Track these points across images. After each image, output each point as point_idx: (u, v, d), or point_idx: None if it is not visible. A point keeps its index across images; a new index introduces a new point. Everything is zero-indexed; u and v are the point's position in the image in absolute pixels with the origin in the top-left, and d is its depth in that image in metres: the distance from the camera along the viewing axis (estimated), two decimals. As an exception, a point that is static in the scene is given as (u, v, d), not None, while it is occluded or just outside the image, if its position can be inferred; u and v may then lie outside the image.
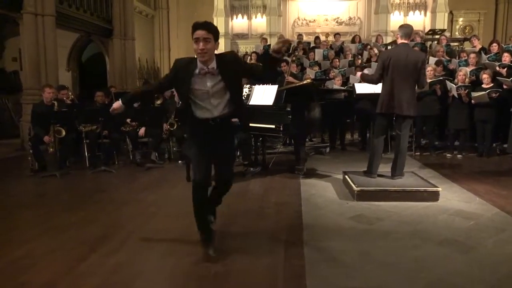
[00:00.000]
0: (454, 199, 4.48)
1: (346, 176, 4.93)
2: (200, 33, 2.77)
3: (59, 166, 6.05)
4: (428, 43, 10.93)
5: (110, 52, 11.38)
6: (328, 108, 6.09)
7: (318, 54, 10.35)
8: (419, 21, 14.90)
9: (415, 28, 13.91)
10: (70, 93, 7.25)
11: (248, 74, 3.31)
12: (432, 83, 6.77)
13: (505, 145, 6.73)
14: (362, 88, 7.09)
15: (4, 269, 2.92)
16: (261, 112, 5.48)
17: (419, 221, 3.79)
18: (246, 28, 15.72)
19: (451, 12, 15.25)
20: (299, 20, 15.68)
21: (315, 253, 3.09)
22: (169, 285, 2.73)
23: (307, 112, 5.57)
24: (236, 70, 2.95)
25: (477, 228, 3.60)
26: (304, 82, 6.40)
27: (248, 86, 6.02)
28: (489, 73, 6.78)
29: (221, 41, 14.66)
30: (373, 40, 12.35)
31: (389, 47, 10.27)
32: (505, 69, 6.98)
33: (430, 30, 12.59)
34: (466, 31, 15.78)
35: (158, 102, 6.99)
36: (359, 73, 5.27)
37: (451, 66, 7.93)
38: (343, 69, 9.14)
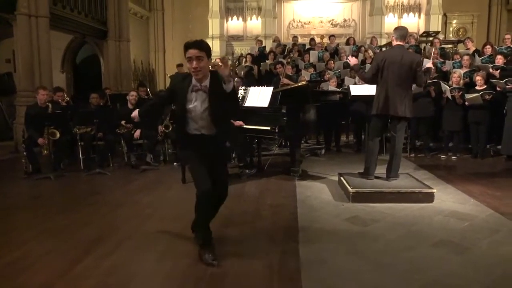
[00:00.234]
0: (449, 200, 4.50)
1: (342, 178, 4.94)
2: (192, 52, 2.83)
3: (54, 169, 6.01)
4: (422, 45, 10.98)
5: (104, 54, 11.34)
6: (323, 110, 6.12)
7: (313, 56, 10.37)
8: (413, 23, 14.97)
9: (409, 30, 14.00)
10: (65, 95, 7.22)
11: (229, 106, 3.18)
12: (426, 85, 6.80)
13: (499, 147, 6.78)
14: (357, 90, 7.12)
15: (-2, 271, 2.90)
16: (256, 114, 5.49)
17: (414, 222, 3.81)
18: (241, 30, 15.71)
19: (445, 15, 15.34)
20: (294, 22, 15.70)
21: (310, 254, 3.10)
22: (165, 287, 2.72)
23: (302, 114, 5.58)
24: (223, 95, 2.94)
25: (471, 229, 3.62)
26: (299, 84, 6.42)
27: (243, 88, 6.03)
28: (483, 75, 6.83)
29: (216, 43, 14.82)
30: (368, 42, 12.39)
31: (383, 49, 10.30)
32: (498, 71, 7.02)
33: (424, 32, 12.64)
34: (460, 33, 15.87)
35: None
36: (351, 57, 5.18)
37: (445, 68, 7.97)
38: (338, 71, 9.16)
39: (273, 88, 5.62)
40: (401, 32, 4.75)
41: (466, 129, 6.98)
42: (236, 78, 8.75)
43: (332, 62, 9.66)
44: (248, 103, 5.68)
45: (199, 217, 3.12)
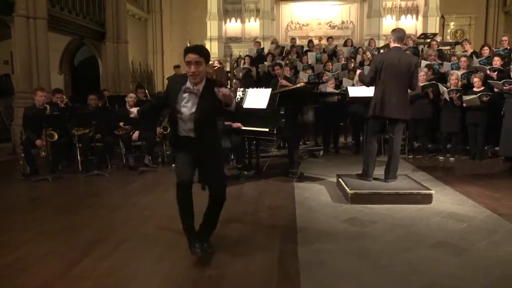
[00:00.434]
0: (447, 201, 4.51)
1: (340, 179, 4.94)
2: (192, 56, 2.87)
3: (52, 170, 6.00)
4: (420, 47, 11.02)
5: (103, 56, 11.35)
6: (322, 111, 6.12)
7: (311, 57, 10.39)
8: (411, 25, 15.01)
9: (407, 32, 14.03)
10: (64, 97, 7.21)
11: (223, 111, 3.17)
12: (424, 87, 6.82)
13: (497, 148, 6.80)
14: (355, 91, 7.13)
15: (-4, 273, 2.89)
16: (254, 115, 5.49)
17: (412, 223, 3.81)
18: (239, 31, 15.73)
19: (442, 16, 15.40)
20: (292, 23, 15.74)
21: (309, 256, 3.10)
22: (163, 289, 2.72)
23: (301, 115, 5.58)
24: (213, 100, 2.96)
25: (470, 230, 3.62)
26: (297, 86, 6.42)
27: (241, 89, 6.03)
28: (480, 76, 6.84)
29: (215, 44, 14.84)
30: (366, 43, 12.42)
31: (381, 51, 10.33)
32: (496, 72, 7.05)
33: (422, 34, 12.69)
34: (457, 35, 15.94)
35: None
36: (359, 71, 5.35)
37: (443, 70, 8.00)
38: (336, 73, 9.17)
39: (272, 90, 5.63)
40: (399, 34, 4.76)
41: (464, 131, 7.00)
42: (234, 80, 8.76)
43: (330, 63, 9.67)
44: (247, 104, 5.68)
45: (178, 207, 3.13)
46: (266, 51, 11.49)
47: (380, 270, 2.86)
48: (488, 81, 6.79)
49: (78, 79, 13.78)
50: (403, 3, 15.22)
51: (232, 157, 6.62)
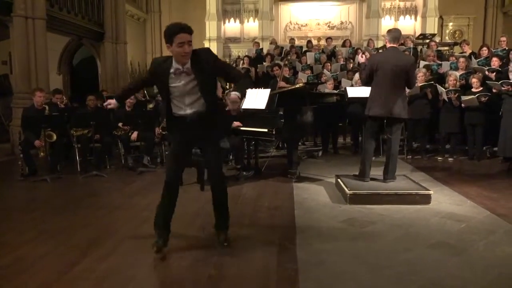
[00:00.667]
0: (446, 202, 4.51)
1: (339, 180, 4.94)
2: (186, 36, 2.87)
3: (50, 171, 5.99)
4: (419, 48, 11.03)
5: (101, 56, 11.34)
6: (321, 112, 6.12)
7: (310, 57, 10.40)
8: (410, 25, 15.04)
9: (405, 32, 14.06)
10: (64, 98, 7.21)
11: (223, 75, 3.29)
12: (423, 87, 6.83)
13: (495, 148, 6.81)
14: (354, 92, 7.14)
15: (-5, 274, 2.88)
16: (253, 116, 5.49)
17: (411, 224, 3.82)
18: (238, 32, 15.73)
19: (441, 17, 15.42)
20: (291, 24, 15.74)
21: (308, 256, 3.10)
22: (162, 289, 2.72)
23: (300, 116, 5.59)
24: (209, 69, 2.98)
25: (468, 231, 3.63)
26: (296, 86, 6.44)
27: (240, 90, 6.03)
28: (479, 77, 6.85)
29: (213, 45, 14.84)
30: (365, 44, 12.43)
31: (380, 51, 10.34)
32: (494, 73, 7.06)
33: (420, 35, 12.70)
34: (456, 35, 15.96)
35: (151, 106, 6.97)
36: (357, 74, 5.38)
37: (441, 70, 8.01)
38: (335, 73, 9.18)
39: (270, 90, 5.63)
40: (394, 34, 4.76)
41: (463, 131, 7.01)
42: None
43: (329, 64, 9.68)
44: (246, 105, 5.69)
45: (159, 205, 3.22)
46: (265, 51, 11.49)
47: (379, 270, 2.86)
48: (487, 81, 6.81)
49: (77, 79, 13.77)
50: (401, 4, 15.24)
51: (231, 157, 6.62)
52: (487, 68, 7.29)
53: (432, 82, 7.08)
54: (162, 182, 3.26)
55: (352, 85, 7.80)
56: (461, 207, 4.32)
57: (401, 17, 15.22)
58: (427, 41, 11.27)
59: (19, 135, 6.21)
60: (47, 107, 6.20)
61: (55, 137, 6.02)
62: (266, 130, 5.27)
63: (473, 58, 8.20)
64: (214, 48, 14.71)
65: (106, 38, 11.11)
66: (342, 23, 15.56)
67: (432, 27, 14.36)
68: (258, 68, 10.03)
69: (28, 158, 6.00)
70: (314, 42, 12.72)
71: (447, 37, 15.88)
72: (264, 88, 5.76)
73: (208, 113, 3.06)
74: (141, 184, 5.56)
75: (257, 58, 10.88)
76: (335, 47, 11.72)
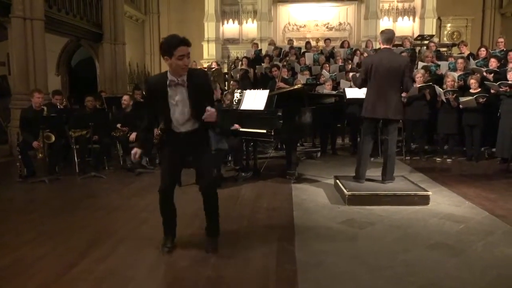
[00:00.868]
0: (444, 203, 4.52)
1: (337, 181, 4.95)
2: (186, 49, 2.90)
3: (49, 172, 5.98)
4: (417, 49, 11.06)
5: (100, 57, 11.32)
6: (319, 113, 6.12)
7: (309, 58, 10.41)
8: (408, 26, 15.09)
9: (404, 33, 14.09)
10: (65, 99, 7.19)
11: (207, 101, 3.13)
12: (421, 88, 6.84)
13: (494, 149, 6.83)
14: (353, 93, 7.15)
15: (-7, 276, 2.88)
16: (252, 117, 5.49)
17: (410, 225, 3.82)
18: (237, 33, 15.75)
19: (439, 18, 15.46)
20: (289, 25, 15.77)
21: (307, 257, 3.10)
22: (161, 291, 2.71)
23: (298, 117, 5.59)
24: (202, 89, 3.04)
25: (467, 232, 3.64)
26: (295, 87, 6.44)
27: (239, 90, 6.04)
28: (477, 78, 6.86)
29: (212, 46, 14.86)
30: (363, 45, 12.45)
31: (372, 53, 10.36)
32: (492, 74, 7.07)
33: (418, 36, 12.74)
34: (454, 36, 15.99)
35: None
36: (351, 74, 5.37)
37: (440, 71, 8.01)
38: (333, 74, 9.19)
39: (269, 91, 5.63)
40: (387, 35, 4.76)
41: (461, 132, 7.02)
42: (231, 81, 8.77)
43: (328, 65, 9.70)
44: (244, 106, 5.69)
45: (161, 215, 3.27)
46: (263, 52, 11.50)
47: (377, 271, 2.87)
48: (485, 82, 6.82)
49: (75, 80, 13.75)
50: (400, 5, 15.29)
51: (229, 158, 6.62)
52: (485, 69, 7.31)
53: (431, 83, 7.08)
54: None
55: (350, 86, 7.80)
56: (459, 208, 4.32)
57: (399, 18, 15.27)
58: (426, 42, 11.30)
59: (17, 136, 6.20)
60: (45, 108, 6.19)
61: (53, 138, 6.01)
62: (264, 131, 5.27)
63: (471, 59, 8.21)
64: (212, 49, 14.75)
65: (104, 39, 11.10)
66: (340, 24, 15.60)
67: (430, 28, 14.41)
68: (257, 69, 10.04)
69: (26, 159, 5.99)
70: (313, 43, 12.74)
71: (445, 38, 15.92)
72: (263, 89, 5.77)
73: (200, 129, 3.09)
74: (139, 185, 5.56)
75: (256, 59, 10.88)
76: (333, 48, 11.74)
